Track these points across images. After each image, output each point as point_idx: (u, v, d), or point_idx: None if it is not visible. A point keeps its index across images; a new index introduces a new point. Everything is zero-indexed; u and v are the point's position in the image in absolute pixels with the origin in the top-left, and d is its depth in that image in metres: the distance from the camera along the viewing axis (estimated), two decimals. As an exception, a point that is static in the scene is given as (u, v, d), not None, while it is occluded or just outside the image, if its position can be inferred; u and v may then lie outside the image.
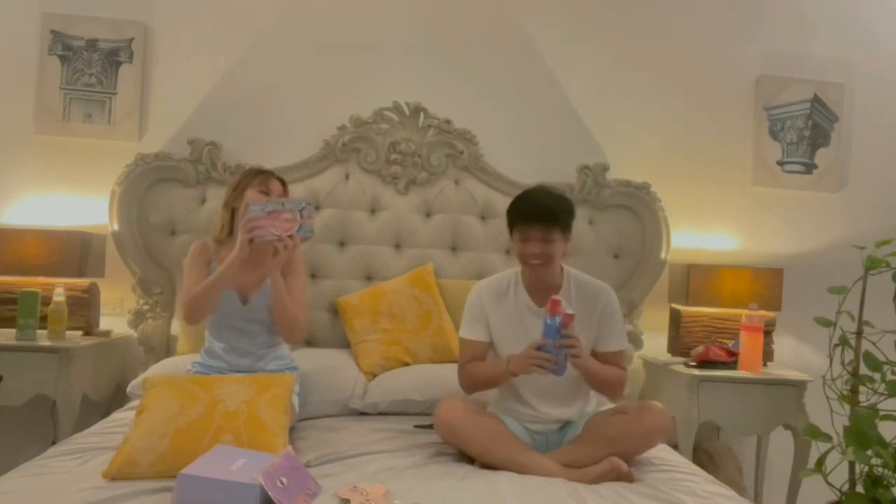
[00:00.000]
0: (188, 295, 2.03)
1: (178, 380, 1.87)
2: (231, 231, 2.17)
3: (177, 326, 2.78)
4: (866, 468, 1.89)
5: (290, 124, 2.98)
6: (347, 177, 2.90)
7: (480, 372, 1.99)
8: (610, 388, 1.97)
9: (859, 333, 2.08)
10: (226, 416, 1.69)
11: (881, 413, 1.91)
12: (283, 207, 1.95)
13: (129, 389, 2.32)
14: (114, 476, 1.54)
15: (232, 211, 2.17)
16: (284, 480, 1.37)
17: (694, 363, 2.74)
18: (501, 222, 2.93)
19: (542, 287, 2.00)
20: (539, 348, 1.79)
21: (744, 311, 2.73)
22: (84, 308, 2.68)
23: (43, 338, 2.50)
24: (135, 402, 2.25)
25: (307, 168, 2.88)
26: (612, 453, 1.78)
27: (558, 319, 1.77)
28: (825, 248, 3.24)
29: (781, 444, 2.90)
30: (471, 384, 2.02)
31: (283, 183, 2.22)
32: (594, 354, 2.00)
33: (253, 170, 2.25)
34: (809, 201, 3.25)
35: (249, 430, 1.67)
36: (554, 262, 1.95)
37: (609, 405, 2.13)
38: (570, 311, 1.79)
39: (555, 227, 1.91)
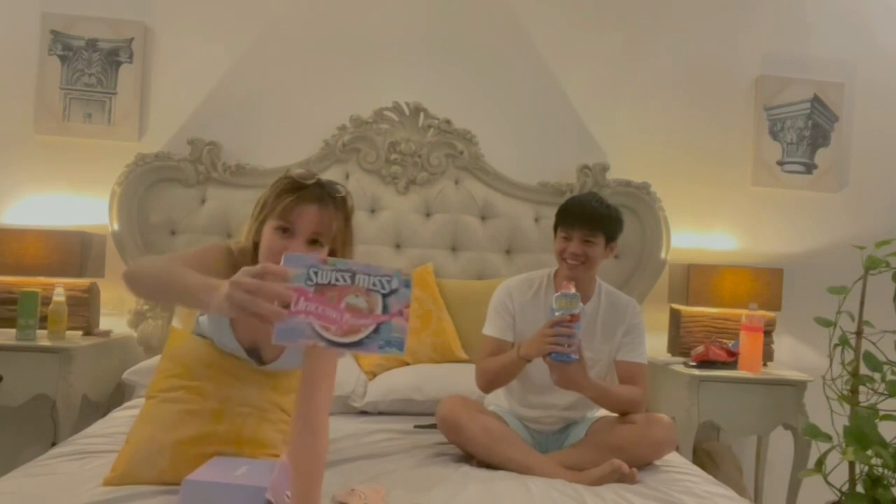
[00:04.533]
0: (152, 261, 1.43)
1: (195, 356, 1.58)
2: (255, 247, 1.48)
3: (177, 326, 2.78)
4: (866, 468, 1.89)
5: (290, 124, 2.98)
6: (347, 177, 2.90)
7: (493, 364, 1.94)
8: (626, 406, 1.93)
9: (859, 333, 2.08)
10: (231, 429, 1.50)
11: (881, 413, 1.91)
12: (343, 280, 1.07)
13: (124, 375, 2.33)
14: (113, 484, 1.50)
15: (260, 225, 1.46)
16: (289, 493, 1.36)
17: (694, 363, 2.74)
18: (501, 222, 2.96)
19: None
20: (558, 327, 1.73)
21: (744, 311, 2.73)
22: (84, 308, 2.68)
23: (43, 338, 2.50)
24: (134, 402, 2.25)
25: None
26: None
27: (571, 296, 1.72)
28: (825, 248, 3.23)
29: (781, 444, 2.89)
30: (486, 379, 1.97)
31: (325, 201, 1.40)
32: (615, 364, 2.02)
33: (286, 181, 1.43)
34: (809, 201, 3.25)
35: (254, 449, 1.53)
36: (592, 265, 1.96)
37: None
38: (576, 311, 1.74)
39: (599, 231, 1.93)
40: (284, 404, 1.58)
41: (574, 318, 1.73)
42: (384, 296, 1.07)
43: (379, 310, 1.07)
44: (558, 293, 1.76)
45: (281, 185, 1.43)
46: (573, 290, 1.75)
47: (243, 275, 1.05)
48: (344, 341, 1.05)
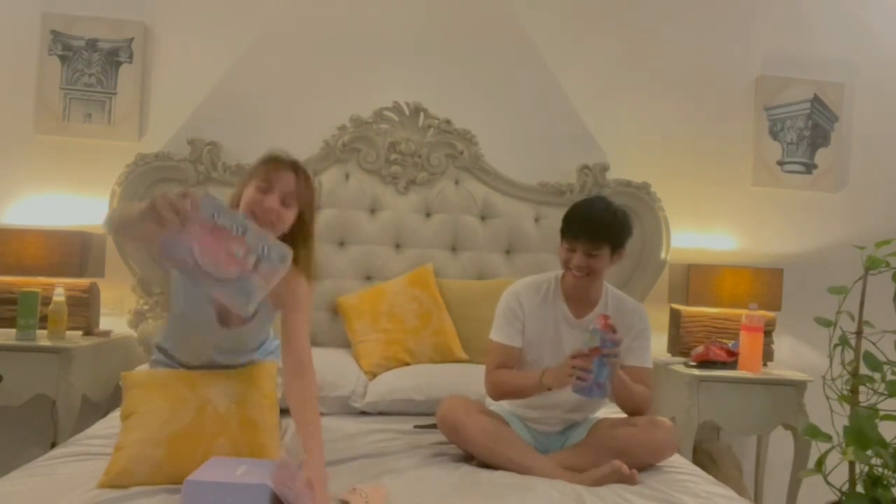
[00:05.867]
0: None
1: (159, 378, 1.73)
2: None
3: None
4: (866, 468, 1.89)
5: (290, 124, 2.98)
6: (347, 177, 2.90)
7: (512, 381, 1.92)
8: (638, 406, 1.93)
9: (859, 333, 2.07)
10: (217, 418, 1.61)
11: (881, 413, 1.91)
12: (236, 231, 1.38)
13: (121, 382, 2.32)
14: (110, 486, 1.49)
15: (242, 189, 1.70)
16: (289, 486, 1.37)
17: (694, 363, 2.75)
18: (501, 222, 2.96)
19: (580, 298, 1.99)
20: (576, 359, 1.73)
21: (744, 311, 2.73)
22: (84, 308, 2.68)
23: (43, 338, 2.50)
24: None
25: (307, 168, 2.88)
26: None
27: (604, 335, 1.71)
28: (825, 248, 3.23)
29: (781, 444, 2.90)
30: (500, 392, 1.95)
31: (300, 172, 1.69)
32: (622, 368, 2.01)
33: (268, 155, 1.72)
34: (809, 201, 3.25)
35: (244, 433, 1.61)
36: (597, 276, 1.93)
37: (614, 411, 2.12)
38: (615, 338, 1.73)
39: (604, 244, 1.89)
40: (264, 389, 1.74)
41: (593, 352, 1.71)
42: (259, 258, 1.36)
43: (249, 266, 1.36)
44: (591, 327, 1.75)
45: (264, 158, 1.71)
46: (595, 326, 1.73)
47: (174, 193, 1.35)
48: (210, 271, 1.35)
